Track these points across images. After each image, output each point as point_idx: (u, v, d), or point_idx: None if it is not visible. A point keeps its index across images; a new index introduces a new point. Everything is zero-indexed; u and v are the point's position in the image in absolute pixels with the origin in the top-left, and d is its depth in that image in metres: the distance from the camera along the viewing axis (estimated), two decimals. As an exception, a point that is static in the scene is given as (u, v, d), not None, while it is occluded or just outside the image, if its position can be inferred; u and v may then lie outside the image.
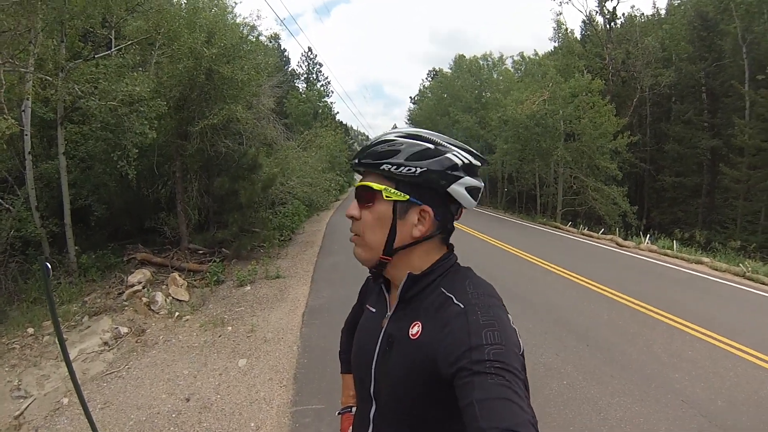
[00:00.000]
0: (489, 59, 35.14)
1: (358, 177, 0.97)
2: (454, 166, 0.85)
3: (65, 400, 3.54)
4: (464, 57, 36.78)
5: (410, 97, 61.46)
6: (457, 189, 0.86)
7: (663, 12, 28.47)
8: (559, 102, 19.39)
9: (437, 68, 47.08)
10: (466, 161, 0.86)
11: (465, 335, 0.72)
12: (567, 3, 36.48)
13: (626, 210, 18.95)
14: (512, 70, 32.42)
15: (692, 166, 22.22)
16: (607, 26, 25.21)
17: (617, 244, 12.86)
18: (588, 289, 7.03)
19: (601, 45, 24.94)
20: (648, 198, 24.00)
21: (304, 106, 28.25)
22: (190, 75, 7.84)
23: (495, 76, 33.94)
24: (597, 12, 25.42)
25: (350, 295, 1.23)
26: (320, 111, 30.93)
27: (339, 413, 1.26)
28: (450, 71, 38.92)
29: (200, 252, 8.77)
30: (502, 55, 34.43)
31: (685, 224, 20.68)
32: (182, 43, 7.56)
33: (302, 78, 41.50)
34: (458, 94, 33.99)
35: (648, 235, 14.45)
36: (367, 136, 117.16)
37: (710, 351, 4.55)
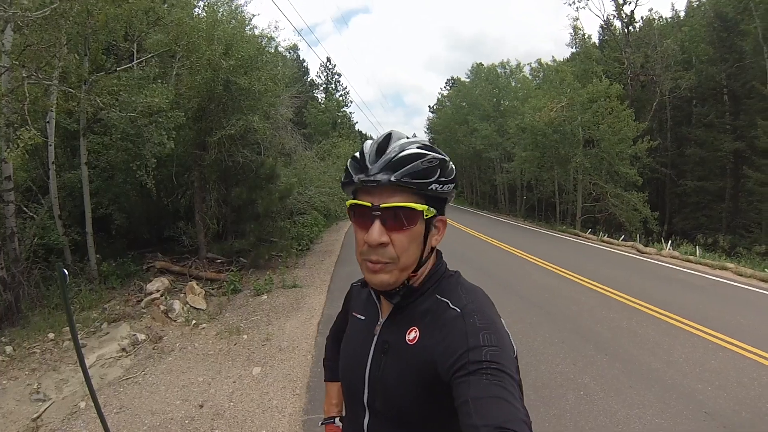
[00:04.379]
0: (506, 67, 35.08)
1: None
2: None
3: (82, 404, 3.60)
4: (482, 65, 36.86)
5: (429, 106, 61.43)
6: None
7: (682, 14, 28.00)
8: (577, 108, 19.19)
9: (455, 77, 47.13)
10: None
11: (463, 337, 0.74)
12: (584, 8, 36.19)
13: (647, 216, 18.57)
14: (530, 77, 32.34)
15: (715, 170, 21.64)
16: (625, 30, 24.90)
17: (638, 250, 12.58)
18: (607, 296, 6.89)
19: (620, 49, 24.62)
20: (669, 203, 23.45)
21: (323, 116, 28.53)
22: (208, 86, 8.00)
23: (513, 83, 33.83)
24: (614, 16, 25.18)
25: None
26: (339, 121, 31.16)
27: (322, 423, 1.25)
28: (467, 80, 38.93)
29: (218, 261, 8.89)
30: (519, 63, 34.37)
31: (708, 229, 20.19)
32: (200, 55, 7.70)
33: (321, 88, 41.74)
34: (476, 102, 33.94)
35: (669, 242, 14.12)
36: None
37: (735, 360, 4.39)
